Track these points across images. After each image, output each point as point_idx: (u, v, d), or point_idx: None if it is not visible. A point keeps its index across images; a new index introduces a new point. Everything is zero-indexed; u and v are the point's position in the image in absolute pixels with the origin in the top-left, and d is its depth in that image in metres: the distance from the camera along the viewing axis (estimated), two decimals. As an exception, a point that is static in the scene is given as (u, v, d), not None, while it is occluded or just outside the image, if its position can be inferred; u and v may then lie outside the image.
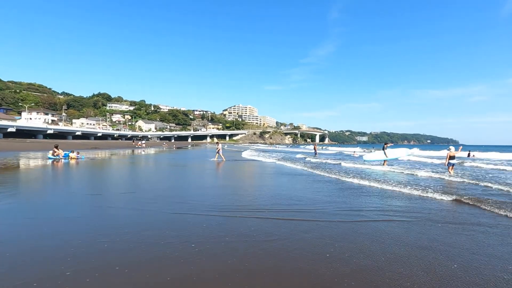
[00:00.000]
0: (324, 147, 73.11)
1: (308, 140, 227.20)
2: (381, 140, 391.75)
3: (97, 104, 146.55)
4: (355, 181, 10.34)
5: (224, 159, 20.02)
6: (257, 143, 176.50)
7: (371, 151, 36.16)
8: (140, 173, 12.13)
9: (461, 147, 15.34)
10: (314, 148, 29.45)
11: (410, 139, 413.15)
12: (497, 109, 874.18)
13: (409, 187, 8.80)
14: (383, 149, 17.22)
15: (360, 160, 22.38)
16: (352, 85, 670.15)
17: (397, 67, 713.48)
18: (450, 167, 12.80)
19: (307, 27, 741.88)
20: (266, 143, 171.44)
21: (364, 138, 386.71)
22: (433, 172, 13.49)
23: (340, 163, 18.19)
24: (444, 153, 18.56)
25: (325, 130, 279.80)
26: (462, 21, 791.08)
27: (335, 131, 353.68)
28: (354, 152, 33.58)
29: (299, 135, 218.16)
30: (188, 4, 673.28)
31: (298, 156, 28.12)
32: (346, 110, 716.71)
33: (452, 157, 12.75)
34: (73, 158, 18.08)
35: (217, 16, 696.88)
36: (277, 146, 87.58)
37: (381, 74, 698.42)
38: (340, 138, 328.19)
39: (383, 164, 16.88)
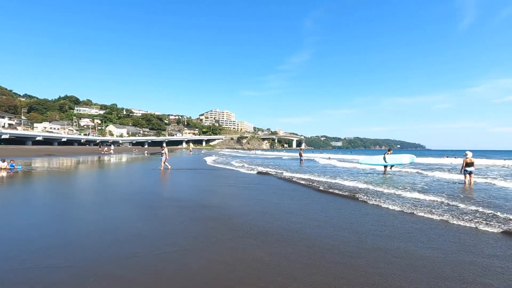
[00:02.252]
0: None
1: (285, 145, 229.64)
2: (354, 145, 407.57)
3: (64, 108, 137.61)
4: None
5: (169, 168, 16.95)
6: (235, 148, 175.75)
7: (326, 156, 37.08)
8: (69, 197, 8.12)
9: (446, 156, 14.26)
10: (300, 154, 28.23)
11: (381, 144, 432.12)
12: (459, 116, 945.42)
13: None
14: (384, 155, 15.74)
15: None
16: (327, 92, 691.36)
17: (368, 75, 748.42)
18: (468, 176, 11.25)
19: (283, 35, 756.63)
20: (243, 149, 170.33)
21: (339, 144, 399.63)
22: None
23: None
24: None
25: (302, 135, 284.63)
26: (425, 34, 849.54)
27: (311, 137, 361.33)
28: (329, 158, 33.46)
29: (276, 141, 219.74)
30: (163, 9, 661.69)
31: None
32: (321, 116, 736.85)
33: (469, 164, 11.18)
34: (4, 169, 14.43)
35: (193, 20, 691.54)
36: (256, 151, 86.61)
37: (354, 82, 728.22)
38: (316, 143, 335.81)
39: (384, 173, 15.31)
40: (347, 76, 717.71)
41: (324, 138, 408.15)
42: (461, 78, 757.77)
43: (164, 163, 16.91)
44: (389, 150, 16.07)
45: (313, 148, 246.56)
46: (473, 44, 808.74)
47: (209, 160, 30.85)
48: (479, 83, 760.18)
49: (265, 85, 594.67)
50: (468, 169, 11.20)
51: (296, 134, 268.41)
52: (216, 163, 24.95)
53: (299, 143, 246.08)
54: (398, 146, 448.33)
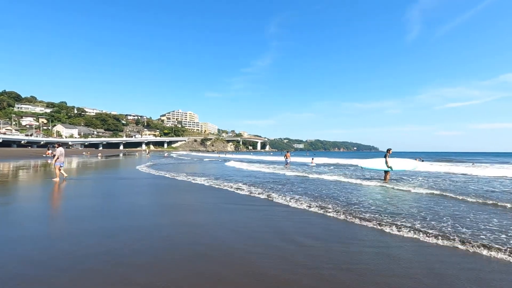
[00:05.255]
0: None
1: (250, 147, 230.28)
2: (315, 147, 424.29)
3: (1, 104, 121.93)
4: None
5: (57, 178, 12.50)
6: (199, 150, 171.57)
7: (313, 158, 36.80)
8: None
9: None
10: (287, 156, 27.26)
11: (340, 146, 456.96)
12: (407, 121, 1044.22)
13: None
14: (385, 157, 13.07)
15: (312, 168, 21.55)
16: (289, 95, 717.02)
17: (328, 81, 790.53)
18: None
19: (248, 39, 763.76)
20: (208, 151, 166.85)
21: (301, 146, 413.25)
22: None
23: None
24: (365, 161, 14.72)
25: (265, 137, 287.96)
26: (377, 44, 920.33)
27: (274, 139, 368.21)
28: (312, 160, 32.54)
29: (241, 142, 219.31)
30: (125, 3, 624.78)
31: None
32: (284, 119, 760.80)
33: None
34: None
35: (152, 15, 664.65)
36: (226, 153, 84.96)
37: (314, 86, 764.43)
38: (279, 146, 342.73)
39: (385, 179, 13.01)
40: (307, 81, 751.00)
41: (287, 140, 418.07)
42: (408, 86, 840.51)
43: (57, 169, 12.58)
44: (388, 151, 13.35)
45: (276, 150, 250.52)
46: (418, 55, 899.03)
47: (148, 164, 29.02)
48: (423, 91, 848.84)
49: (229, 87, 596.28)
50: None
51: (260, 136, 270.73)
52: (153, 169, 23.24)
53: (263, 145, 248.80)
54: (355, 148, 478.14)
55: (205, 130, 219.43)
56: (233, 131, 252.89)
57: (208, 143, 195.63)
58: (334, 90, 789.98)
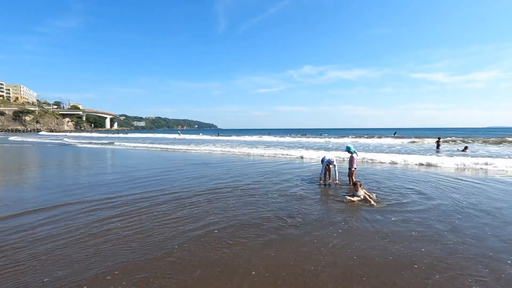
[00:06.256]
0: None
1: (92, 125, 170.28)
2: (158, 125, 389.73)
3: None
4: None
5: None
6: (16, 131, 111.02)
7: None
8: None
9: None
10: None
11: (183, 124, 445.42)
12: (229, 102, 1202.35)
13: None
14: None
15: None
16: (108, 68, 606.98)
17: (153, 60, 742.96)
18: None
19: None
20: (28, 130, 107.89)
21: (142, 123, 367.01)
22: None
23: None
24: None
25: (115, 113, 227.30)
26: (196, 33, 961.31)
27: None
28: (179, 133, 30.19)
29: (84, 118, 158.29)
30: None
31: None
32: (105, 94, 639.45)
33: None
34: None
35: None
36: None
37: (136, 61, 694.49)
38: (119, 123, 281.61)
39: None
40: (127, 55, 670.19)
41: (124, 117, 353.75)
42: (228, 71, 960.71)
43: None
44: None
45: (122, 128, 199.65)
46: (230, 44, 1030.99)
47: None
48: (239, 77, 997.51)
49: (18, 47, 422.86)
50: None
51: (108, 112, 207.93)
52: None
53: (112, 122, 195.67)
54: (196, 126, 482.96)
55: (18, 98, 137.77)
56: (71, 104, 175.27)
57: (29, 118, 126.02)
58: (160, 69, 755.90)
